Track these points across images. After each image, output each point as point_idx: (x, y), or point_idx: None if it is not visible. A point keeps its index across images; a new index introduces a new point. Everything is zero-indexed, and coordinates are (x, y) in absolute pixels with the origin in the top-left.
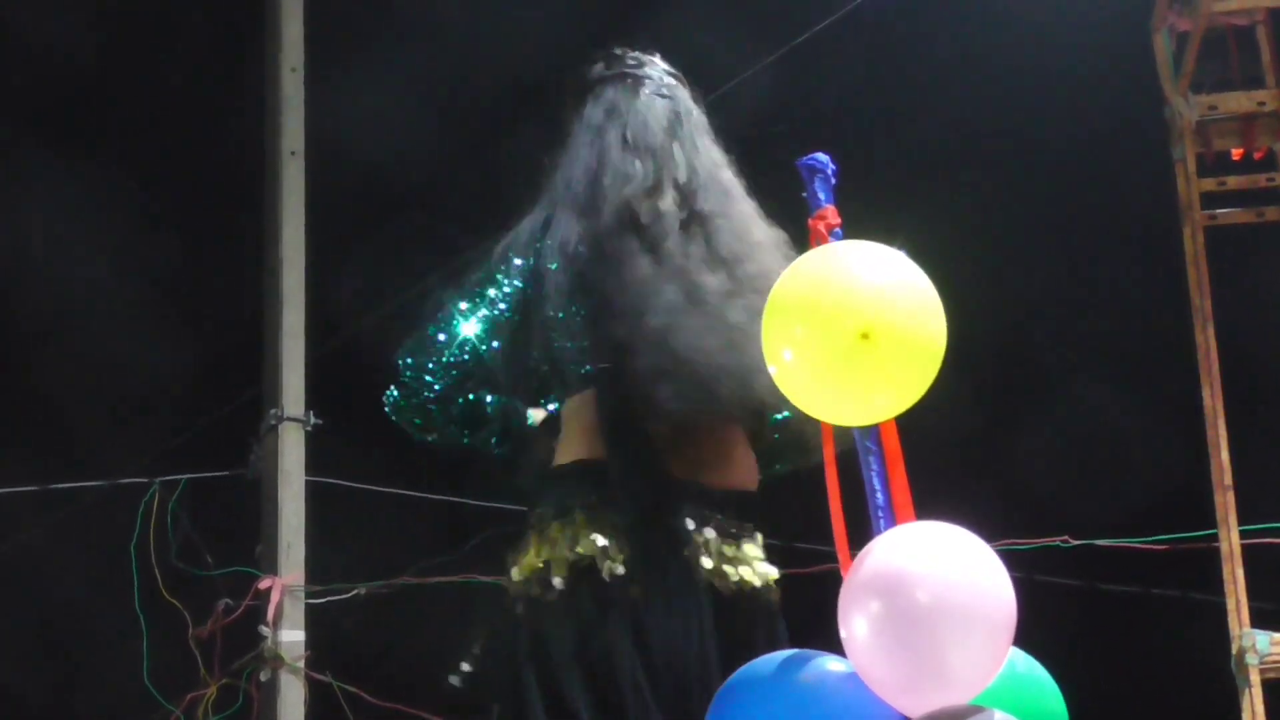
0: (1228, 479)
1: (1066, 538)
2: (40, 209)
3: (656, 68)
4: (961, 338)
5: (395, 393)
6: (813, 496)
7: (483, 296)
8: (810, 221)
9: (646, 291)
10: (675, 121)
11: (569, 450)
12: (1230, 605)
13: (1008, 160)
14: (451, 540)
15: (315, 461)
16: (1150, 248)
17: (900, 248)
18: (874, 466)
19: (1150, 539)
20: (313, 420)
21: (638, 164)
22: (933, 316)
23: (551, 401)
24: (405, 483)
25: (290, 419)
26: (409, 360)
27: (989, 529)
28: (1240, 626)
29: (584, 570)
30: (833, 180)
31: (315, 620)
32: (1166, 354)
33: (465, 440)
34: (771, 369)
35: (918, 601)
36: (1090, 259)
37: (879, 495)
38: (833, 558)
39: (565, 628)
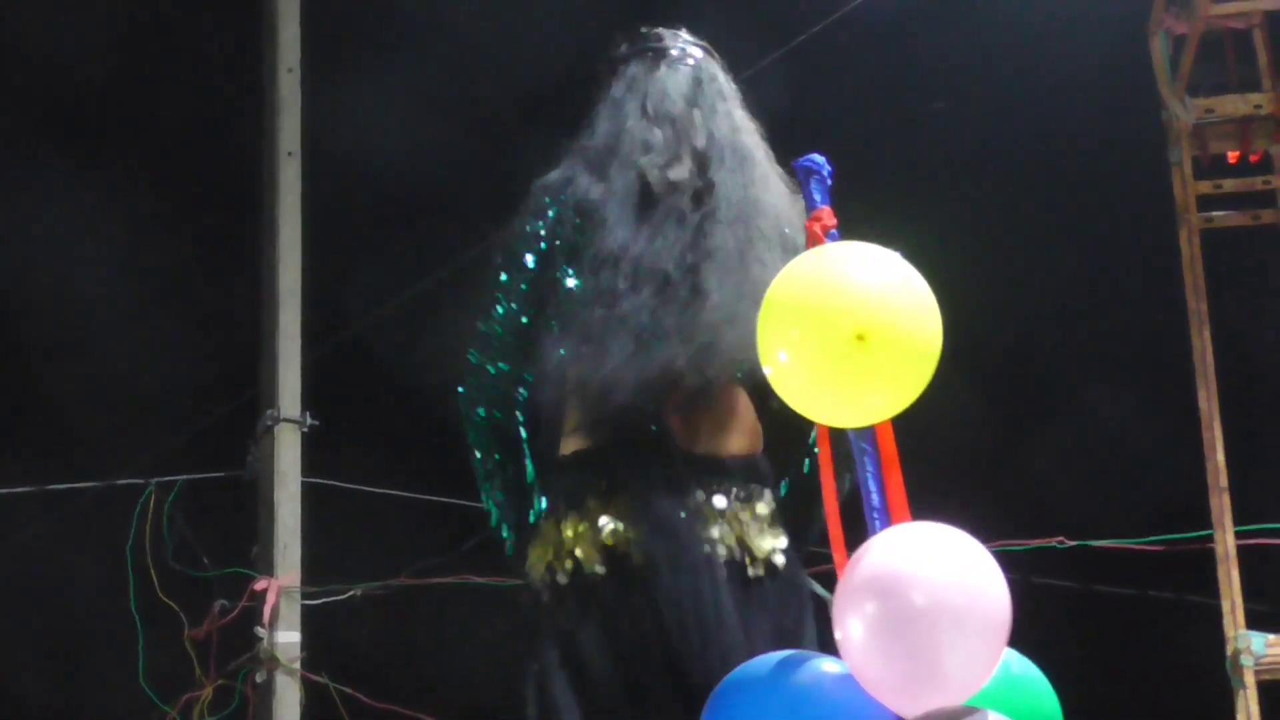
0: (1223, 481)
1: (1061, 539)
2: (38, 210)
3: (680, 40)
4: (958, 340)
5: (464, 387)
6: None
7: (517, 262)
8: (806, 223)
9: (645, 261)
10: (696, 88)
11: (573, 437)
12: (1225, 607)
13: (1005, 163)
14: (447, 542)
15: (312, 463)
16: (1148, 250)
17: (896, 249)
18: (869, 468)
19: (1145, 540)
20: (309, 421)
21: (657, 132)
22: (928, 318)
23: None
24: (401, 484)
25: (286, 420)
26: (473, 353)
27: (984, 530)
28: (1235, 628)
29: (601, 556)
30: (829, 182)
31: (311, 621)
32: (1163, 356)
33: (488, 471)
34: (767, 370)
35: (913, 602)
36: (1087, 261)
37: (874, 496)
38: (829, 559)
39: (587, 615)
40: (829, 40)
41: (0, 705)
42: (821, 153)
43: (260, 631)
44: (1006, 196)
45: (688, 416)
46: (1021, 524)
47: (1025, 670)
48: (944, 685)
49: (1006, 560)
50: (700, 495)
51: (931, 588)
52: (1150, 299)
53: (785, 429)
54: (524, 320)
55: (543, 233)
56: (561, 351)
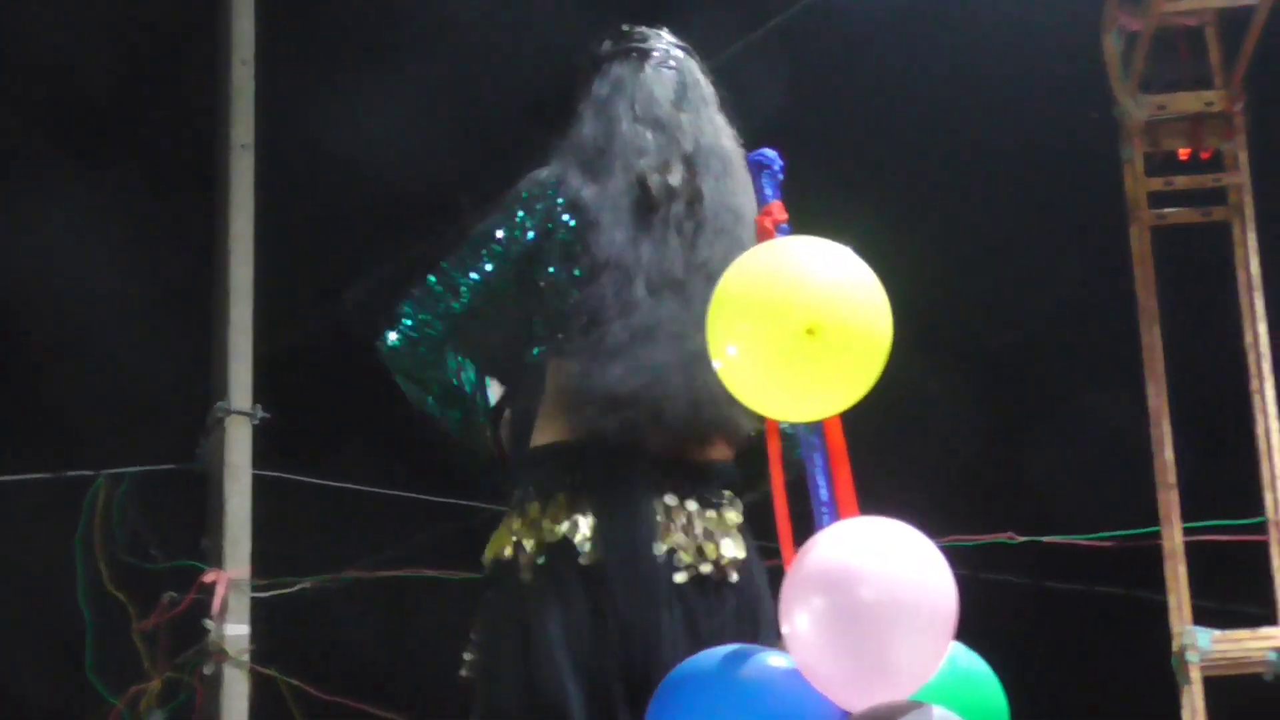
0: (1171, 477)
1: (1011, 534)
2: None
3: (663, 40)
4: (909, 335)
5: (394, 338)
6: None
7: (491, 237)
8: (757, 217)
9: (641, 269)
10: (681, 91)
11: (548, 430)
12: (1172, 603)
13: (956, 158)
14: (398, 535)
15: (263, 456)
16: (1099, 247)
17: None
18: (818, 462)
19: (1095, 536)
20: (260, 414)
21: (649, 136)
22: (879, 312)
23: (533, 357)
24: (352, 478)
25: (237, 413)
26: (409, 307)
27: (935, 525)
28: (1182, 624)
29: (564, 551)
30: (780, 176)
31: (261, 614)
32: (1114, 352)
33: (430, 403)
34: (717, 364)
35: (859, 597)
36: (1038, 257)
37: (823, 490)
38: (777, 553)
39: (547, 608)
40: (781, 34)
41: None
42: (774, 147)
43: (209, 624)
44: (957, 191)
45: (670, 421)
46: (972, 519)
47: (972, 665)
48: (890, 679)
49: (957, 555)
50: (671, 499)
51: (878, 582)
52: (1101, 295)
53: (760, 438)
54: (497, 285)
55: (530, 225)
56: (543, 349)
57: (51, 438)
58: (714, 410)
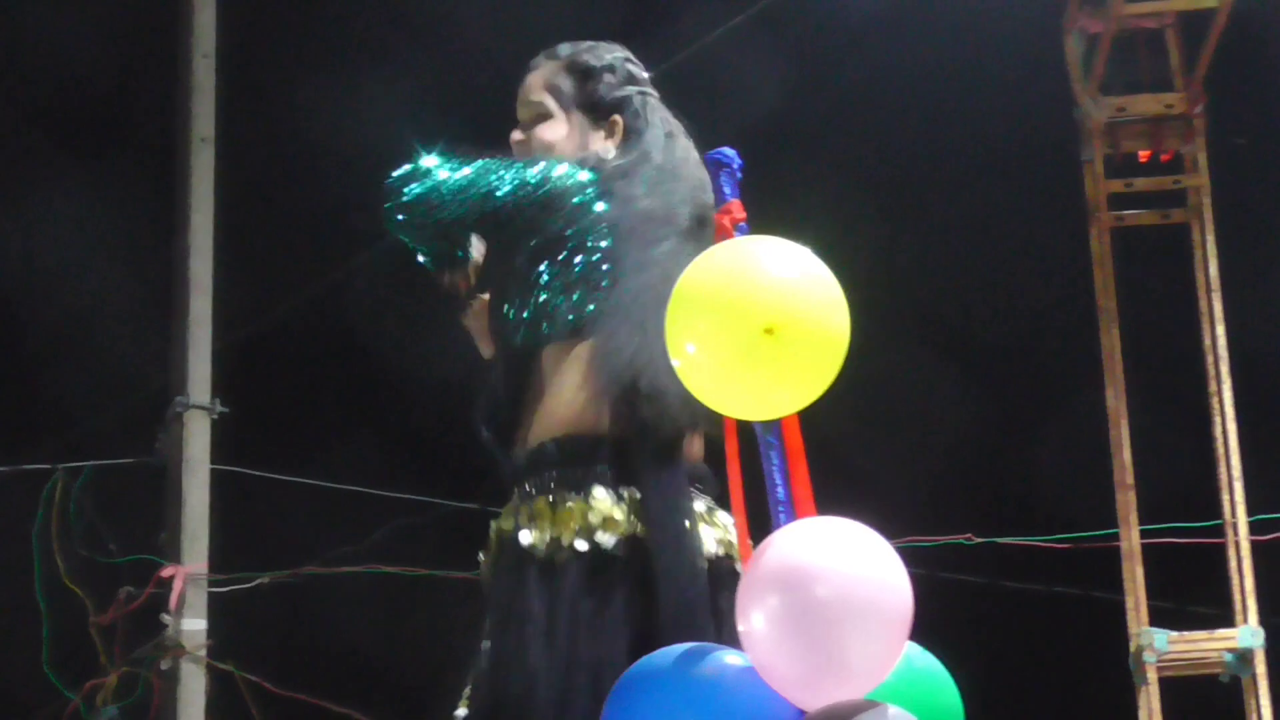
0: (1129, 479)
1: (969, 535)
2: None
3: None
4: (866, 334)
5: (399, 211)
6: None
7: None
8: (716, 216)
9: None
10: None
11: (564, 420)
12: (1129, 604)
13: (917, 158)
14: (356, 531)
15: (221, 450)
16: (1058, 248)
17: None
18: (775, 461)
19: (1052, 538)
20: (219, 408)
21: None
22: (836, 312)
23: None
24: (310, 472)
25: (196, 406)
26: (414, 188)
27: (893, 525)
28: (1139, 625)
29: (602, 540)
30: (739, 175)
31: (218, 609)
32: (1073, 354)
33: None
34: (675, 362)
35: (815, 595)
36: (998, 257)
37: (780, 490)
38: None
39: (582, 598)
40: (739, 37)
41: None
42: (733, 146)
43: (166, 619)
44: (917, 192)
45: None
46: (930, 520)
47: (927, 664)
48: (845, 678)
49: (914, 556)
50: (692, 492)
51: (834, 581)
52: (1060, 296)
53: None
54: (511, 216)
55: (574, 204)
56: (531, 336)
57: (8, 431)
58: (700, 407)
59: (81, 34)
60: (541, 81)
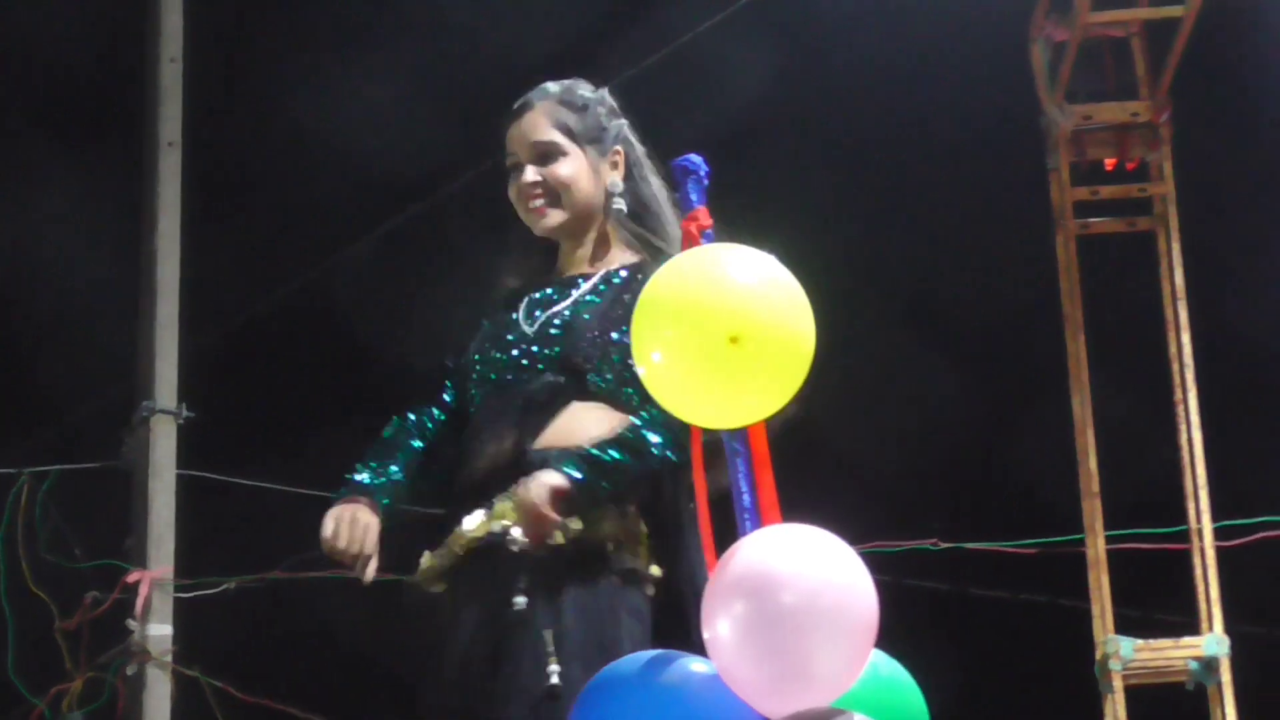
0: (1095, 486)
1: (935, 540)
2: None
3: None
4: (832, 340)
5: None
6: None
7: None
8: (683, 223)
9: None
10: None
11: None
12: (1095, 611)
13: (883, 165)
14: None
15: (187, 455)
16: (1025, 255)
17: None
18: (741, 468)
19: (1018, 543)
20: (185, 413)
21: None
22: (802, 320)
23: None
24: (277, 477)
25: (162, 411)
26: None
27: (857, 531)
28: (1105, 632)
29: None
30: (705, 182)
31: (184, 615)
32: (1039, 361)
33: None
34: (640, 370)
35: (781, 602)
36: (964, 265)
37: (745, 497)
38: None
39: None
40: (709, 41)
41: None
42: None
43: (132, 624)
44: (884, 198)
45: None
46: (895, 525)
47: (893, 671)
48: (811, 686)
49: (879, 561)
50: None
51: (799, 588)
52: (1028, 303)
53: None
54: None
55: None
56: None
57: None
58: None
59: (50, 37)
60: (546, 119)
